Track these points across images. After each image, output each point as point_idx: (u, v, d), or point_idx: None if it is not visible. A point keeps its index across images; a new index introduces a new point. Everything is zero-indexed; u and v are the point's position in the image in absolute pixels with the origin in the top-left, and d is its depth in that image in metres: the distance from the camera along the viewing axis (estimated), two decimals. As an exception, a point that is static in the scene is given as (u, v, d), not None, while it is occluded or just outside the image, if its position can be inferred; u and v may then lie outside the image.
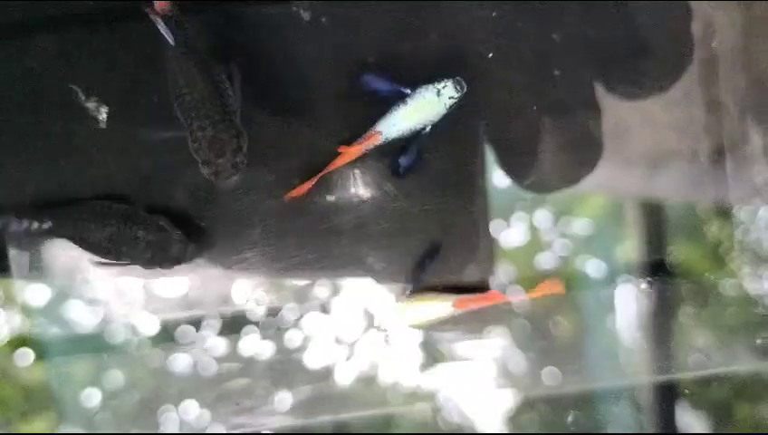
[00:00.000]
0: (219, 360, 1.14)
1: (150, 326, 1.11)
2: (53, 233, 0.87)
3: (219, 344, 1.14)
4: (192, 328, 1.10)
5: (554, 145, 0.84)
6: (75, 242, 0.87)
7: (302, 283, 0.89)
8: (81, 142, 0.88)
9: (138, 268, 0.87)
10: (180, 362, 1.14)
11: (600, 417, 1.26)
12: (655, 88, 0.81)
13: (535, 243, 1.18)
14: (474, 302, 0.86)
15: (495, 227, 0.92)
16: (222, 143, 0.80)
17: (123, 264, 0.87)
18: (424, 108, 0.82)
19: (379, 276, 0.88)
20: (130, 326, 1.12)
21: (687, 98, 0.76)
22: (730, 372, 1.20)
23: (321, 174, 0.85)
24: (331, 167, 0.85)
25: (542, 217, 1.19)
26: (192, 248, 0.86)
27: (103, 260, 0.87)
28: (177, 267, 0.85)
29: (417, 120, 0.83)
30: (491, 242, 0.88)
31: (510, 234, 1.03)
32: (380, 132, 0.82)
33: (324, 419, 1.19)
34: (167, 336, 1.13)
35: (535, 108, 0.83)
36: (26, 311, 1.16)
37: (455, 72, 0.83)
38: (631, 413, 1.24)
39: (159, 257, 0.85)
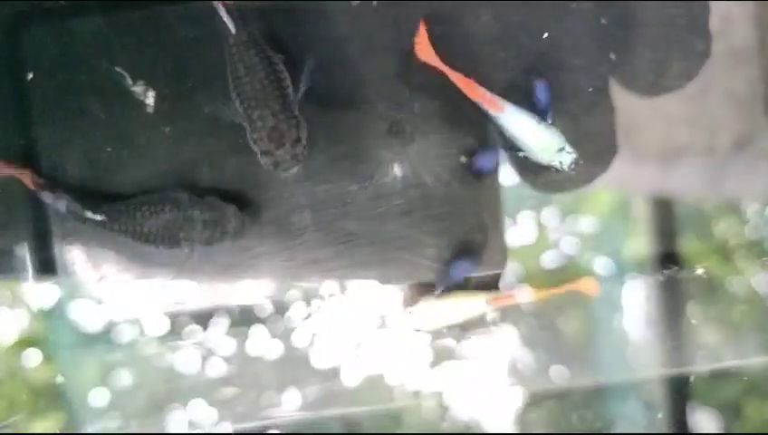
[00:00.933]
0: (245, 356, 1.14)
1: (172, 321, 1.12)
2: (105, 226, 0.86)
3: (258, 335, 1.14)
4: (222, 319, 1.11)
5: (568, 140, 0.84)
6: (129, 235, 0.86)
7: (348, 270, 0.88)
8: (128, 127, 0.87)
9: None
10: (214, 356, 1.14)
11: (610, 415, 1.26)
12: (674, 82, 0.80)
13: (545, 240, 1.18)
14: (506, 299, 0.86)
15: (508, 223, 0.91)
16: (282, 134, 0.80)
17: (182, 248, 0.87)
18: (542, 142, 0.82)
19: (429, 263, 0.87)
20: (144, 323, 1.12)
21: (703, 92, 0.75)
22: (739, 368, 1.20)
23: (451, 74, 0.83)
24: (455, 79, 0.82)
25: (551, 214, 1.19)
26: (248, 221, 0.85)
27: (161, 248, 0.86)
28: (235, 241, 0.85)
29: (529, 140, 0.82)
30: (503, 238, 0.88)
31: (521, 231, 1.03)
32: (503, 108, 0.80)
33: (333, 412, 1.19)
34: (176, 331, 1.13)
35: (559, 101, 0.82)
36: (34, 311, 1.17)
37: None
38: (641, 411, 1.23)
39: (218, 235, 0.84)
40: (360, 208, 0.87)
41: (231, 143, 0.85)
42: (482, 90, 0.81)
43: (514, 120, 0.82)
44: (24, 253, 0.90)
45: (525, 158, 0.83)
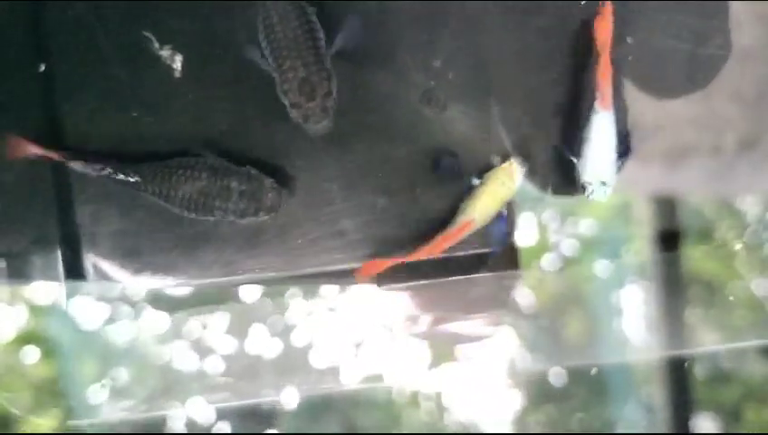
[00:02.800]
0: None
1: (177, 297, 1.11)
2: (139, 187, 0.84)
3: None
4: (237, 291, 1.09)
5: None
6: (162, 198, 0.84)
7: (376, 245, 0.85)
8: (155, 92, 0.86)
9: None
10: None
11: (609, 418, 1.26)
12: (684, 84, 0.80)
13: (545, 242, 1.18)
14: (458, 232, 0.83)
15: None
16: (313, 86, 0.77)
17: (215, 217, 0.84)
18: (603, 165, 0.81)
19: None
20: (143, 320, 1.12)
21: (709, 92, 0.75)
22: (739, 373, 1.20)
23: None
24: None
25: (551, 215, 1.19)
26: (285, 194, 0.83)
27: (192, 215, 0.84)
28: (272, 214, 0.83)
29: (597, 153, 0.81)
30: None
31: (521, 232, 1.02)
32: (609, 109, 0.79)
33: (331, 411, 1.19)
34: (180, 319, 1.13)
35: (555, 103, 0.82)
36: (34, 308, 1.17)
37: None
38: (641, 413, 1.23)
39: (254, 207, 0.82)
40: (390, 180, 0.86)
41: (260, 110, 0.84)
42: (610, 82, 0.79)
43: (606, 127, 0.81)
44: (31, 253, 0.89)
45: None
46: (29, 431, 1.15)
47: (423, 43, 0.82)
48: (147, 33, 0.83)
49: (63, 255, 0.86)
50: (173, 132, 0.85)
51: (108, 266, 0.86)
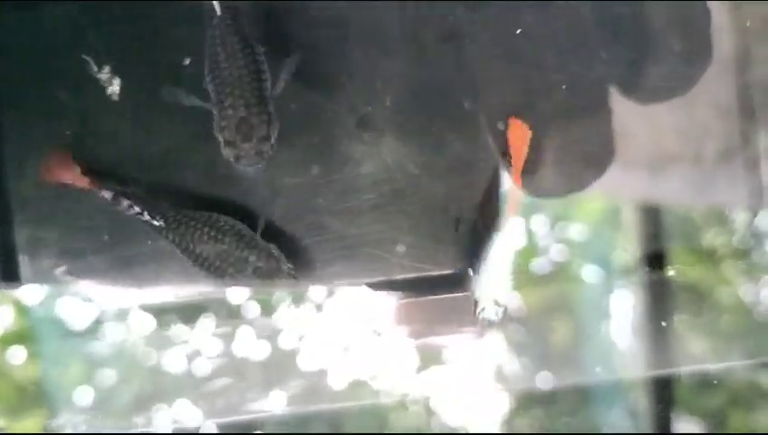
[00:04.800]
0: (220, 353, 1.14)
1: (145, 322, 1.11)
2: (160, 232, 0.84)
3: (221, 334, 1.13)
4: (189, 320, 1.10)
5: (557, 149, 0.83)
6: (179, 249, 0.83)
7: (316, 264, 0.86)
8: (94, 115, 0.85)
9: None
10: (175, 358, 1.14)
11: (596, 421, 1.26)
12: (667, 91, 0.80)
13: (534, 247, 1.18)
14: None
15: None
16: (251, 127, 0.76)
17: (224, 281, 0.84)
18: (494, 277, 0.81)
19: (399, 259, 0.86)
20: (125, 323, 1.11)
21: (691, 100, 0.75)
22: (725, 378, 1.20)
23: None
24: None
25: (540, 220, 1.19)
26: (297, 282, 0.83)
27: (202, 272, 0.83)
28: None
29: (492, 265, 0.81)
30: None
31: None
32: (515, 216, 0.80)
33: (319, 413, 1.18)
34: (163, 331, 1.13)
35: (540, 109, 0.82)
36: (20, 308, 1.16)
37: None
38: (626, 418, 1.23)
39: (263, 284, 0.82)
40: (330, 202, 0.86)
41: (197, 134, 0.83)
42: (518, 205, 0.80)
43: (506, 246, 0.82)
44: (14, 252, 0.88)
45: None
46: (17, 432, 1.15)
47: (362, 69, 0.83)
48: (85, 56, 0.83)
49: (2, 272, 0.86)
50: (109, 154, 0.85)
51: (47, 285, 0.87)
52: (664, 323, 1.07)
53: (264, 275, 0.81)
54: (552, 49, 0.80)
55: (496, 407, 1.27)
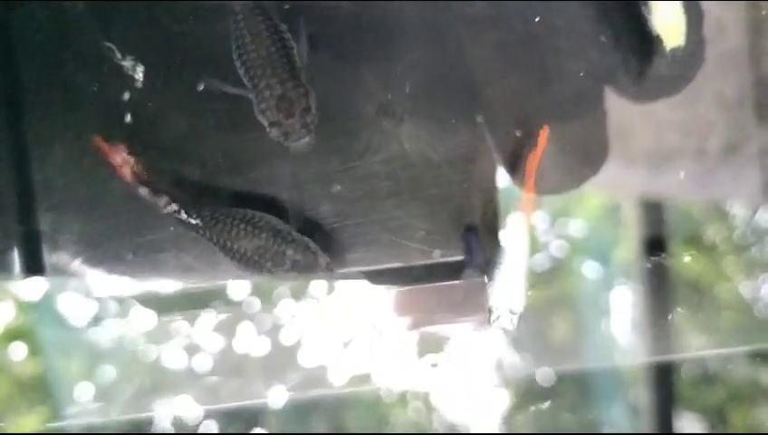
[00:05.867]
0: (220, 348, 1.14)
1: (147, 318, 1.11)
2: (197, 230, 0.84)
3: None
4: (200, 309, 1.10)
5: (557, 144, 0.83)
6: (217, 246, 0.84)
7: (333, 251, 0.86)
8: (116, 103, 0.85)
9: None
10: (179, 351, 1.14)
11: (596, 418, 1.26)
12: (667, 88, 0.80)
13: (535, 243, 1.18)
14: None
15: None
16: (291, 103, 0.76)
17: (263, 275, 0.84)
18: (508, 292, 0.81)
19: (417, 245, 0.86)
20: (131, 318, 1.12)
21: (692, 96, 0.75)
22: (726, 375, 1.20)
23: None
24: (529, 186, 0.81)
25: (540, 217, 1.19)
26: (334, 274, 0.84)
27: (244, 269, 0.84)
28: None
29: (508, 275, 0.81)
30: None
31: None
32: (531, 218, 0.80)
33: (319, 409, 1.18)
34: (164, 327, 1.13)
35: (541, 107, 0.82)
36: (21, 305, 1.16)
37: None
38: (627, 414, 1.24)
39: (302, 276, 0.83)
40: (347, 189, 0.86)
41: (219, 120, 0.84)
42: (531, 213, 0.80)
43: (520, 255, 0.82)
44: (12, 247, 0.88)
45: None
46: (17, 431, 1.15)
47: (381, 56, 0.83)
48: (108, 44, 0.83)
49: (24, 258, 0.86)
50: (132, 141, 0.84)
51: (69, 272, 0.87)
52: (670, 317, 1.07)
53: (302, 268, 0.82)
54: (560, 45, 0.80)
55: (497, 402, 1.27)
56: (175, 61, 0.84)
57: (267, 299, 1.14)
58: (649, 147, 0.82)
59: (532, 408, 1.28)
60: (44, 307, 1.13)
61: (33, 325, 1.17)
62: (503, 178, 0.86)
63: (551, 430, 1.29)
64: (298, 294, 1.12)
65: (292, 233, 0.83)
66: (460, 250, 0.85)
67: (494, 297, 0.81)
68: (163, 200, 0.83)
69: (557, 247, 1.22)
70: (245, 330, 1.14)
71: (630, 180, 0.88)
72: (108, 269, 0.88)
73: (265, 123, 0.77)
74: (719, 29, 0.75)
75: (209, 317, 1.12)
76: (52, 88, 0.84)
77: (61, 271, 0.86)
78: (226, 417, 1.21)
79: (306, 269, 0.82)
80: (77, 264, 0.86)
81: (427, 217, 0.86)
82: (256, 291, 1.12)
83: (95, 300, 1.11)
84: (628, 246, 1.15)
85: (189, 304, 1.10)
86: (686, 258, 1.15)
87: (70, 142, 0.85)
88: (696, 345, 1.12)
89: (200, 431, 1.19)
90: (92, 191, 0.85)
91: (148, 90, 0.84)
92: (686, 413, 1.22)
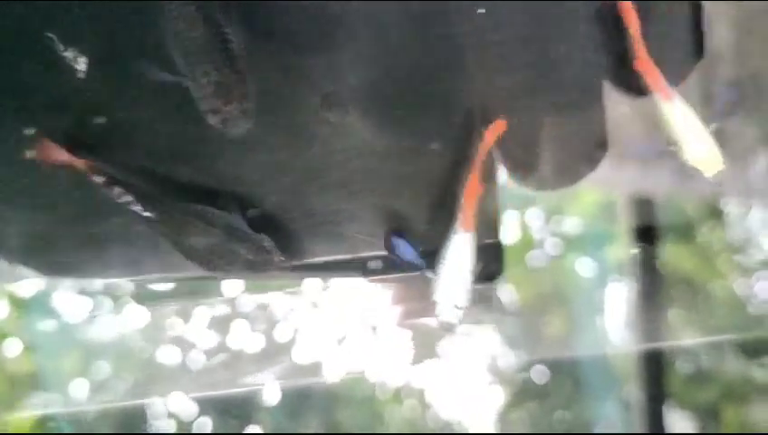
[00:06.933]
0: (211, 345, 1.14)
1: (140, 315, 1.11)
2: (150, 223, 0.84)
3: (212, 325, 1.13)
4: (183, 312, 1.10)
5: (551, 140, 0.83)
6: (171, 242, 0.83)
7: (281, 244, 0.86)
8: (58, 95, 0.85)
9: None
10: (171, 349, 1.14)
11: (589, 416, 1.27)
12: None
13: (527, 240, 1.19)
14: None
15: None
16: (228, 89, 0.76)
17: (216, 273, 0.84)
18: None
19: (366, 238, 0.86)
20: (125, 315, 1.11)
21: (680, 93, 0.76)
22: (718, 372, 1.21)
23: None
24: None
25: (535, 214, 1.19)
26: (288, 272, 0.83)
27: (196, 265, 0.84)
28: None
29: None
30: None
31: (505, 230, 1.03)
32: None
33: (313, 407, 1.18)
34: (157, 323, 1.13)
35: (533, 104, 0.82)
36: (15, 301, 1.16)
37: None
38: (619, 412, 1.24)
39: (251, 275, 0.83)
40: (294, 181, 0.86)
41: (162, 109, 0.83)
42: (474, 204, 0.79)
43: (463, 250, 0.81)
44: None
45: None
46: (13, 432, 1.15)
47: (326, 48, 0.82)
48: (50, 35, 0.83)
49: None
50: (72, 135, 0.84)
51: (17, 264, 0.86)
52: (663, 313, 1.07)
53: (256, 267, 0.81)
54: (524, 36, 0.80)
55: (491, 400, 1.27)
56: (116, 51, 0.83)
57: (263, 294, 1.15)
58: (639, 144, 0.83)
59: (526, 405, 1.28)
60: (38, 303, 1.13)
61: (28, 322, 1.17)
62: (456, 172, 0.85)
63: (545, 427, 1.29)
64: (292, 291, 1.12)
65: (246, 230, 0.82)
66: (406, 244, 0.84)
67: (439, 292, 0.81)
68: (117, 190, 0.83)
69: (552, 245, 1.22)
70: (240, 325, 1.14)
71: (622, 177, 0.89)
72: (52, 262, 0.87)
73: (204, 110, 0.76)
74: (707, 25, 0.76)
75: (203, 312, 1.12)
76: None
77: (10, 266, 0.86)
78: (221, 413, 1.21)
79: (260, 268, 0.82)
80: (20, 257, 0.86)
81: (375, 209, 0.86)
82: (251, 286, 1.12)
83: (88, 296, 1.11)
84: (622, 242, 1.15)
85: (182, 298, 1.11)
86: (681, 254, 1.15)
87: (9, 132, 0.84)
88: (689, 341, 1.13)
89: (195, 427, 1.19)
90: (36, 182, 0.84)
91: (91, 80, 0.83)
92: (678, 410, 1.22)
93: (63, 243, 0.85)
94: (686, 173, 0.82)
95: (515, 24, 0.81)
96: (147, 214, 0.81)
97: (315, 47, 0.82)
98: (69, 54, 0.84)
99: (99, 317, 1.13)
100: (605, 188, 1.05)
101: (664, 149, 0.81)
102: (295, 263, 0.86)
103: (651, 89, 0.76)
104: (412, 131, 0.84)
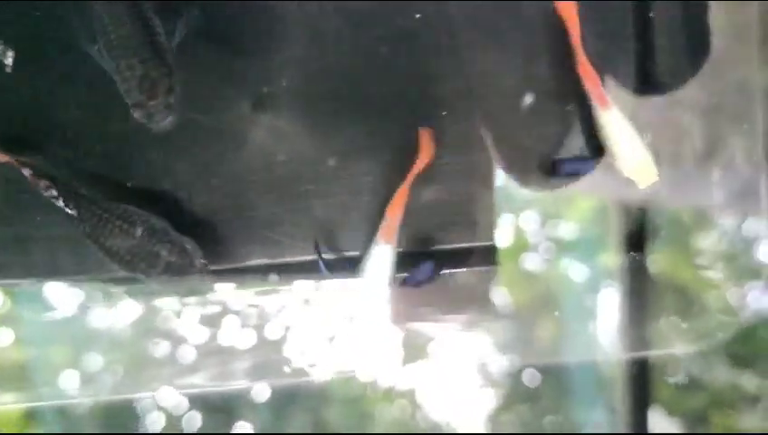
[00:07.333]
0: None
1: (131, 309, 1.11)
2: (72, 221, 0.82)
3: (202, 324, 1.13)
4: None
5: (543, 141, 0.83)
6: (90, 240, 0.82)
7: (210, 246, 0.85)
8: None
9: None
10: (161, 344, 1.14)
11: (578, 419, 1.27)
12: (661, 88, 0.80)
13: (521, 244, 1.19)
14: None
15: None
16: (153, 82, 0.75)
17: (135, 276, 0.82)
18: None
19: (293, 242, 0.85)
20: (117, 307, 1.11)
21: (670, 100, 0.76)
22: (707, 380, 1.21)
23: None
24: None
25: (529, 217, 1.19)
26: (208, 277, 0.82)
27: (116, 267, 0.82)
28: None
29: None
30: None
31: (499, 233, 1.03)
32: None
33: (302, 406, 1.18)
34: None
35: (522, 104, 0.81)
36: (5, 291, 1.16)
37: None
38: (607, 416, 1.24)
39: (174, 279, 0.81)
40: (224, 182, 0.85)
41: (90, 105, 0.82)
42: (398, 217, 0.79)
43: (383, 261, 0.81)
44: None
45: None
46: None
47: (259, 49, 0.81)
48: None
49: None
50: (7, 127, 0.83)
51: None
52: (654, 321, 1.07)
53: (177, 270, 0.80)
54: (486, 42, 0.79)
55: (481, 403, 1.27)
56: (45, 46, 0.82)
57: (254, 291, 1.14)
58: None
59: (516, 409, 1.28)
60: (29, 294, 1.13)
61: (19, 312, 1.17)
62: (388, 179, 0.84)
63: (534, 430, 1.30)
64: (284, 288, 1.12)
65: (169, 232, 0.81)
66: (337, 248, 0.84)
67: (360, 297, 0.81)
68: (43, 183, 0.82)
69: (545, 249, 1.22)
70: (230, 322, 1.13)
71: (611, 183, 0.89)
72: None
73: (129, 103, 0.76)
74: (712, 27, 0.76)
75: (195, 307, 1.12)
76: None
77: None
78: (209, 409, 1.21)
79: (181, 271, 0.80)
80: None
81: (304, 213, 0.85)
82: (243, 283, 1.12)
83: (80, 288, 1.10)
84: (616, 249, 1.15)
85: (175, 292, 1.10)
86: (674, 262, 1.15)
87: None
88: (678, 349, 1.13)
89: (184, 421, 1.19)
90: None
91: (20, 76, 0.82)
92: (666, 417, 1.22)
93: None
94: (673, 181, 0.82)
95: (452, 30, 0.80)
96: (70, 211, 0.81)
97: (250, 48, 0.81)
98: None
99: (90, 309, 1.12)
100: (597, 194, 1.05)
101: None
102: (216, 267, 0.84)
103: (589, 95, 0.76)
104: (345, 136, 0.83)
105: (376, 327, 1.10)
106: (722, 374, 1.19)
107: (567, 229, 1.22)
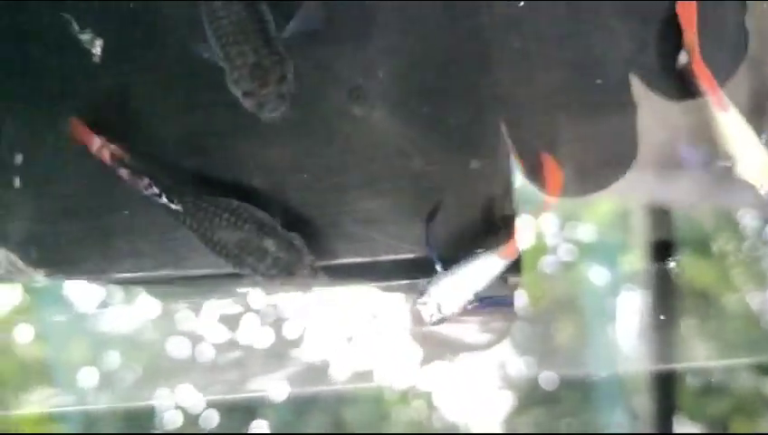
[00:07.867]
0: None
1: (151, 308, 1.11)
2: (177, 217, 0.81)
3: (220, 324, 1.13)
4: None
5: (580, 143, 0.81)
6: (197, 235, 0.81)
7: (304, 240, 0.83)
8: (74, 78, 0.83)
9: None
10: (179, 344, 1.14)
11: (598, 423, 1.26)
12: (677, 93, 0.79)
13: (541, 245, 1.18)
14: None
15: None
16: (266, 71, 0.73)
17: (243, 272, 0.81)
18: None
19: (388, 239, 0.83)
20: (136, 305, 1.12)
21: (702, 103, 0.74)
22: (730, 385, 1.20)
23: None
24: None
25: (550, 220, 1.18)
26: (319, 277, 0.80)
27: (223, 261, 0.81)
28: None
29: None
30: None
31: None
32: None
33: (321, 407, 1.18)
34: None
35: (556, 108, 0.80)
36: (27, 288, 1.16)
37: None
38: (628, 421, 1.23)
39: (283, 278, 0.78)
40: (315, 178, 0.83)
41: (180, 98, 0.81)
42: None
43: (474, 275, 0.79)
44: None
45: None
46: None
47: (354, 40, 0.80)
48: (66, 15, 0.80)
49: None
50: (87, 121, 0.82)
51: (20, 259, 0.84)
52: (676, 326, 1.06)
53: (284, 265, 0.78)
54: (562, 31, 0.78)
55: (498, 405, 1.27)
56: (135, 36, 0.81)
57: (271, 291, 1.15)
58: (659, 152, 0.81)
59: (534, 412, 1.28)
60: (50, 291, 1.14)
61: (40, 309, 1.17)
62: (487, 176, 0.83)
63: (551, 432, 1.29)
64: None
65: (277, 228, 0.80)
66: (436, 247, 0.81)
67: (435, 286, 0.79)
68: (144, 183, 0.81)
69: (565, 251, 1.22)
70: (249, 322, 1.14)
71: (641, 187, 0.87)
72: (57, 251, 0.85)
73: (239, 94, 0.73)
74: (750, 25, 0.74)
75: (214, 307, 1.12)
76: (5, 61, 0.82)
77: (12, 261, 0.84)
78: (227, 408, 1.21)
79: (288, 267, 0.78)
80: (26, 243, 0.84)
81: (397, 211, 0.83)
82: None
83: (102, 286, 1.11)
84: (637, 252, 1.14)
85: (193, 293, 1.11)
86: (695, 267, 1.14)
87: (24, 118, 0.82)
88: (701, 355, 1.11)
89: (202, 419, 1.20)
90: (49, 170, 0.82)
91: (107, 65, 0.81)
92: (688, 423, 1.21)
93: (68, 237, 0.84)
94: (705, 184, 0.81)
95: (556, 19, 0.78)
96: (174, 207, 0.79)
97: (344, 37, 0.80)
98: (85, 37, 0.82)
99: (110, 308, 1.13)
100: (622, 197, 1.04)
101: (713, 159, 0.79)
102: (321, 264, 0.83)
103: (706, 96, 0.74)
104: (440, 130, 0.81)
105: (396, 330, 1.10)
106: (745, 380, 1.18)
107: (587, 232, 1.22)
